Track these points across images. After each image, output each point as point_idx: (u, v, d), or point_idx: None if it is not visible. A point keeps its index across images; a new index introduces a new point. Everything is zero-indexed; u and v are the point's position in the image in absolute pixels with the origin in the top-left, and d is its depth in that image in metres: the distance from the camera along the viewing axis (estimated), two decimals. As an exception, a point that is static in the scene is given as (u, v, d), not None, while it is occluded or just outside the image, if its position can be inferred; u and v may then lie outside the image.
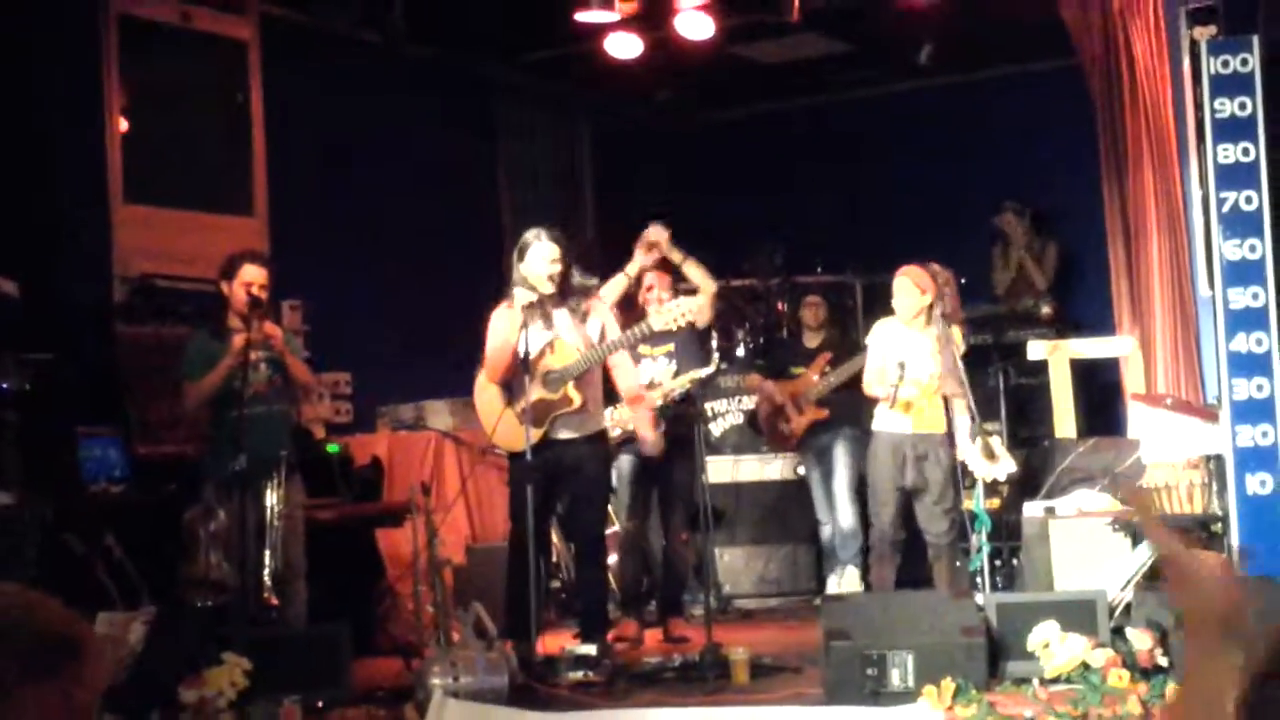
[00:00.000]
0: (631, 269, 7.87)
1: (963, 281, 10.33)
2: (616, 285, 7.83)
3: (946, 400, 7.62)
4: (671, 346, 7.94)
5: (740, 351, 10.24)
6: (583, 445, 7.11)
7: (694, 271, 8.02)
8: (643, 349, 7.87)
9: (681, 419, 7.82)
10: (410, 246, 10.04)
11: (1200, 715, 1.86)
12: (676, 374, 7.93)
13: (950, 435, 7.61)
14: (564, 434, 7.05)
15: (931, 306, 7.66)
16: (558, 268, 7.03)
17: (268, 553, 6.85)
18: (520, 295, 7.01)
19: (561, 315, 7.10)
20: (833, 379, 8.73)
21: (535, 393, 6.92)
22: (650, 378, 7.92)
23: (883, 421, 7.74)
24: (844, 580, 8.65)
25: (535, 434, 6.86)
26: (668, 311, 7.09)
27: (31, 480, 6.73)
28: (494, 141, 11.35)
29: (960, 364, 7.62)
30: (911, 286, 7.67)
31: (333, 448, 8.51)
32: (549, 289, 7.01)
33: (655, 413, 7.72)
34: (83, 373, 7.69)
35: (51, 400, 7.12)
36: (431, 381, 9.07)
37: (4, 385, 6.87)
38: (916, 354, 7.64)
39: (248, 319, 7.02)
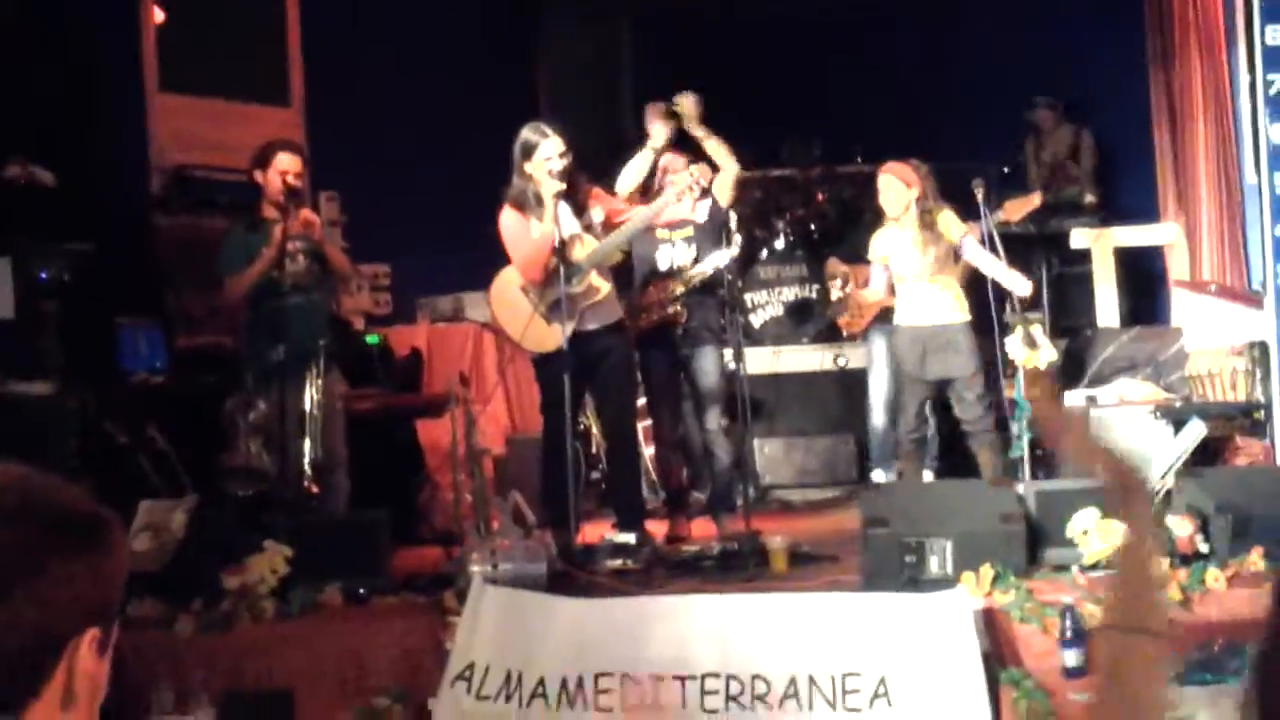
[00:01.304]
0: (656, 142, 7.52)
1: (1005, 170, 10.26)
2: (640, 163, 7.56)
3: (976, 287, 7.51)
4: (690, 230, 7.67)
5: (780, 243, 10.15)
6: (606, 336, 7.07)
7: (716, 149, 7.60)
8: (661, 233, 7.65)
9: (705, 305, 7.65)
10: (448, 138, 9.97)
11: (1131, 559, 2.00)
12: (697, 258, 7.64)
13: (971, 324, 7.52)
14: (590, 325, 7.02)
15: (918, 199, 7.54)
16: (565, 161, 6.94)
17: (307, 442, 6.87)
18: (531, 190, 6.96)
19: (563, 208, 7.04)
20: None
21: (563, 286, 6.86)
22: (670, 262, 7.69)
23: (902, 315, 7.68)
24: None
25: (569, 328, 6.82)
26: (679, 185, 7.04)
27: (72, 370, 6.75)
28: (533, 32, 11.25)
29: (973, 250, 7.48)
30: (895, 182, 7.57)
31: (372, 339, 8.52)
32: (558, 185, 6.95)
33: (678, 299, 7.61)
34: (121, 263, 7.67)
35: (90, 290, 7.12)
36: (470, 272, 9.04)
37: (43, 274, 6.88)
38: (905, 249, 7.57)
39: (284, 208, 6.99)
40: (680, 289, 7.62)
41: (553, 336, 6.90)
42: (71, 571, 1.69)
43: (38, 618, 1.67)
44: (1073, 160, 10.78)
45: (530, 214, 7.02)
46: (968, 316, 7.55)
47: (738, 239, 7.56)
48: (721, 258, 7.55)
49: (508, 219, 7.08)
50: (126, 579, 1.78)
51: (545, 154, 6.95)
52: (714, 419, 7.66)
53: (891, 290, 7.72)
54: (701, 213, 7.61)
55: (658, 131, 7.51)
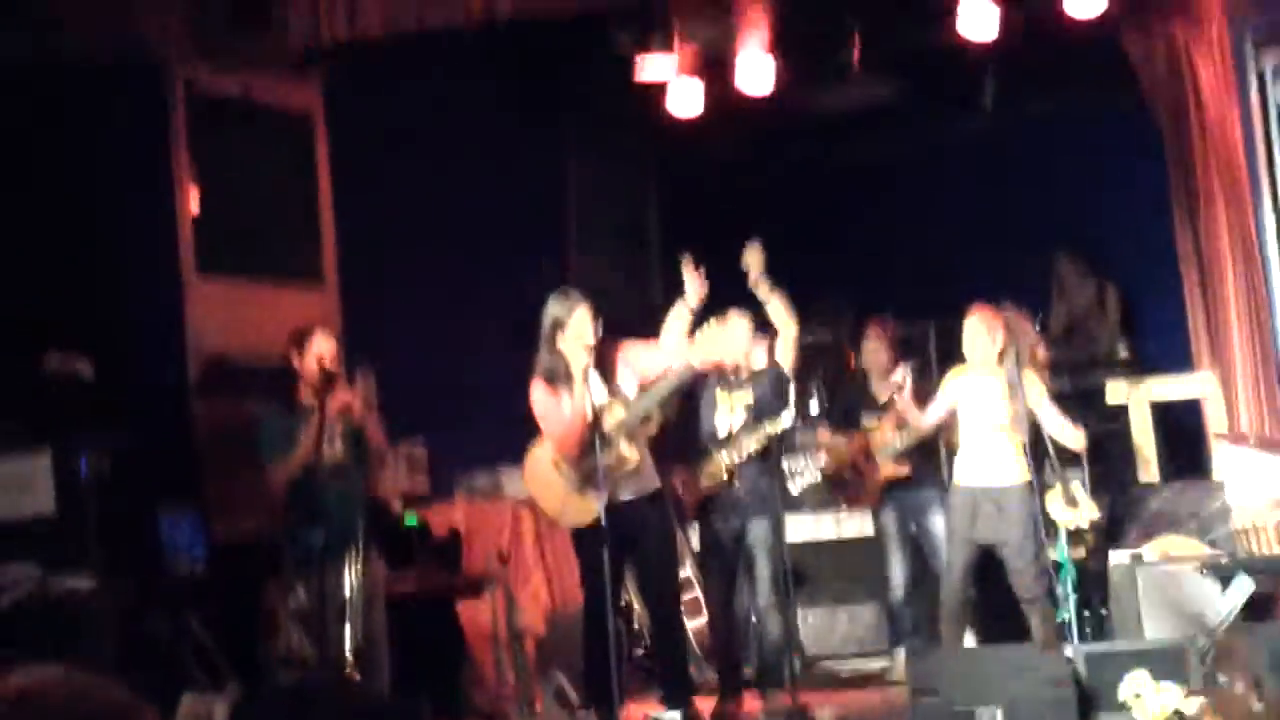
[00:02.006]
0: (692, 299, 7.28)
1: (1037, 326, 10.26)
2: (677, 321, 7.32)
3: (1032, 450, 7.47)
4: (751, 399, 7.59)
5: (814, 409, 10.13)
6: (644, 505, 7.05)
7: (776, 308, 7.51)
8: (720, 395, 7.63)
9: (761, 474, 7.52)
10: (483, 312, 10.02)
11: None
12: (757, 422, 7.50)
13: (1031, 485, 7.48)
14: (624, 495, 7.00)
15: (1004, 350, 7.55)
16: (595, 331, 7.01)
17: (348, 628, 6.84)
18: (562, 365, 7.00)
19: (593, 376, 7.08)
20: (908, 435, 8.33)
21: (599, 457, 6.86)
22: (728, 429, 7.61)
23: (960, 474, 7.66)
24: (895, 663, 8.43)
25: (603, 501, 6.80)
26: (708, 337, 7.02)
27: (112, 563, 6.75)
28: (564, 198, 11.38)
29: (1044, 406, 7.51)
30: (984, 331, 7.57)
31: (410, 519, 8.50)
32: (587, 359, 6.98)
33: (734, 469, 7.54)
34: (160, 451, 7.70)
35: (129, 480, 7.14)
36: (508, 446, 9.03)
37: (83, 468, 6.91)
38: (986, 399, 7.55)
39: (320, 392, 7.03)
40: (738, 459, 7.51)
41: (589, 509, 6.88)
42: None
43: None
44: (1100, 312, 10.78)
45: (561, 389, 7.05)
46: (1028, 477, 7.50)
47: (792, 406, 7.43)
48: (776, 426, 7.41)
49: (539, 395, 7.11)
50: None
51: (576, 329, 7.00)
52: (765, 592, 7.50)
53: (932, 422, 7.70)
54: (754, 359, 7.56)
55: (692, 289, 7.29)
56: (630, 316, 9.15)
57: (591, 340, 7.01)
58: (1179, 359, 9.49)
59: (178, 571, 7.39)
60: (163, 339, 8.42)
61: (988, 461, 7.54)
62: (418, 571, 8.11)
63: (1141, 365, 10.12)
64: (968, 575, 7.63)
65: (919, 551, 8.59)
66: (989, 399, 7.55)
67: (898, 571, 8.61)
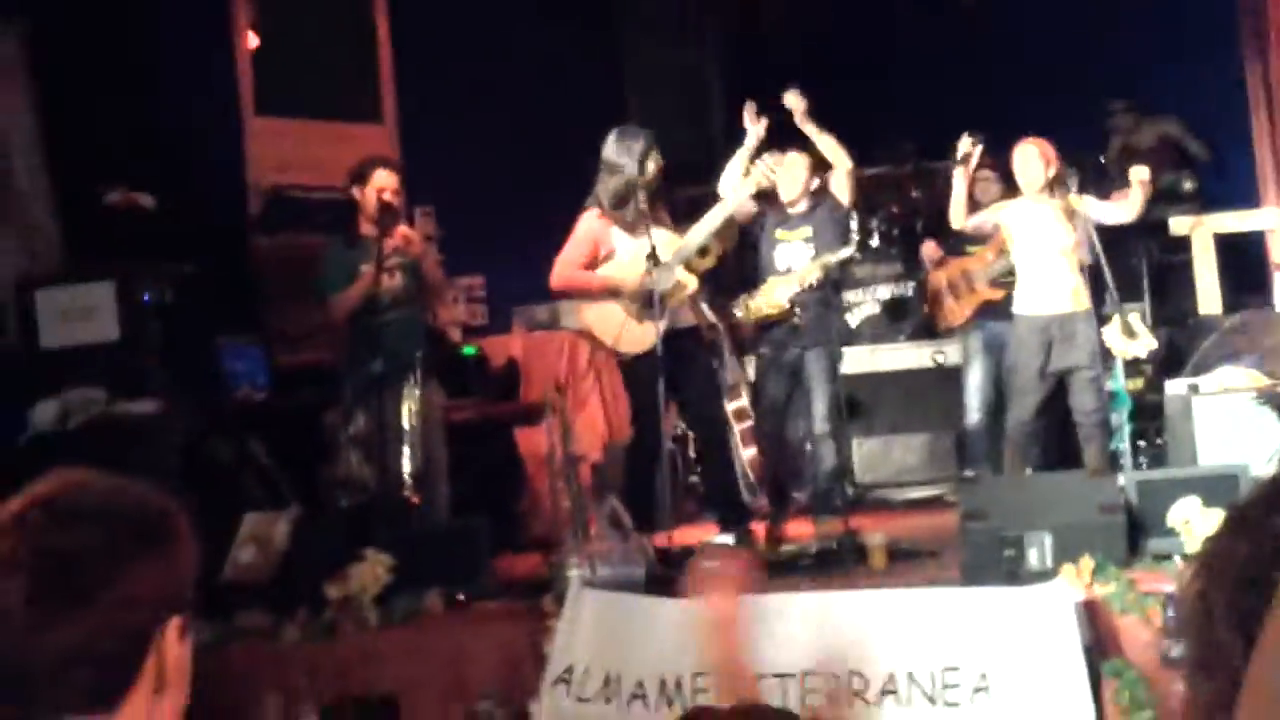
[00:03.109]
0: (750, 144, 7.38)
1: (1101, 160, 10.14)
2: (735, 164, 7.44)
3: (1092, 282, 7.42)
4: (810, 231, 7.54)
5: (874, 241, 10.10)
6: (689, 340, 7.10)
7: (827, 144, 7.50)
8: (779, 233, 7.57)
9: (820, 305, 7.49)
10: (540, 148, 10.02)
11: None
12: (815, 258, 7.47)
13: (1093, 311, 7.44)
14: (679, 324, 7.06)
15: (1057, 177, 7.49)
16: (656, 166, 7.07)
17: (407, 452, 6.96)
18: (615, 193, 7.07)
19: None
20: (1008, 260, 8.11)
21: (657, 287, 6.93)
22: (787, 264, 7.55)
23: (1024, 303, 7.59)
24: None
25: (660, 329, 6.89)
26: (753, 176, 7.17)
27: (176, 389, 6.89)
28: (620, 37, 11.30)
29: (1094, 234, 7.44)
30: (1037, 157, 7.50)
31: (469, 350, 8.60)
32: (645, 191, 7.04)
33: (795, 300, 7.57)
34: (221, 283, 7.81)
35: (192, 310, 7.26)
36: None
37: (145, 296, 7.03)
38: (1043, 225, 7.49)
39: (381, 225, 7.08)
40: (797, 288, 7.47)
41: (647, 335, 6.95)
42: (149, 567, 1.76)
43: (124, 616, 1.74)
44: (1168, 148, 10.61)
45: (620, 219, 7.08)
46: (1090, 305, 7.45)
47: (855, 239, 7.43)
48: (842, 254, 7.46)
49: (588, 218, 7.17)
50: (199, 564, 1.84)
51: (654, 157, 7.03)
52: (821, 421, 7.49)
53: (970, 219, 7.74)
54: (802, 200, 7.58)
55: (751, 132, 7.39)
56: (692, 158, 9.14)
57: (651, 174, 7.02)
58: (1247, 193, 9.38)
59: (240, 398, 7.53)
60: (222, 173, 8.50)
61: (1051, 289, 7.47)
62: (476, 400, 8.22)
63: (1208, 198, 10.00)
64: (1038, 407, 7.59)
65: (999, 381, 8.53)
66: (1046, 225, 7.47)
67: (975, 398, 8.54)
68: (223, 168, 8.49)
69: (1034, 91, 10.82)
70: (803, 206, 7.56)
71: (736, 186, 7.26)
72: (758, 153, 7.42)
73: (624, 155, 7.13)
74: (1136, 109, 10.64)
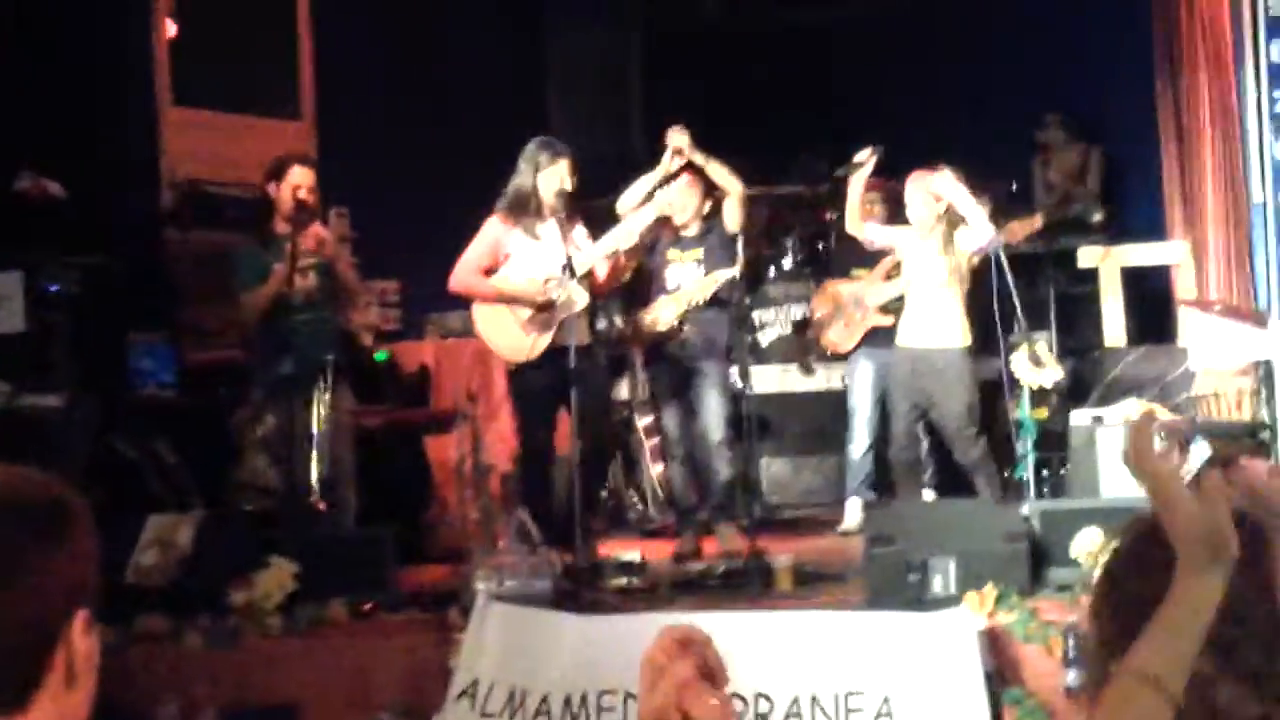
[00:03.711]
0: (658, 173, 7.62)
1: (1013, 188, 10.25)
2: (639, 187, 7.63)
3: (983, 307, 7.53)
4: (701, 252, 7.82)
5: (788, 262, 10.16)
6: (581, 354, 7.12)
7: (719, 173, 7.71)
8: (671, 254, 7.81)
9: (711, 322, 7.78)
10: (459, 151, 9.98)
11: (1183, 629, 1.91)
12: (706, 277, 7.76)
13: (969, 350, 7.57)
14: (569, 341, 7.09)
15: (946, 212, 7.61)
16: (572, 184, 7.13)
17: (315, 457, 6.90)
18: (526, 201, 7.16)
19: (549, 227, 7.20)
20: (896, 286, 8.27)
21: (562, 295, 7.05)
22: (678, 284, 7.82)
23: (904, 334, 7.74)
24: (846, 514, 8.47)
25: (547, 340, 7.04)
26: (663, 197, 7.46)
27: (82, 383, 6.79)
28: (543, 42, 11.28)
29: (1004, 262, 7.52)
30: (927, 195, 7.62)
31: (380, 355, 8.55)
32: (560, 205, 7.11)
33: (683, 316, 7.74)
34: (132, 277, 7.70)
35: (101, 304, 7.15)
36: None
37: (53, 287, 6.92)
38: (926, 257, 7.61)
39: (296, 223, 7.02)
40: (687, 306, 7.72)
41: (534, 345, 7.09)
42: (53, 560, 1.73)
43: (30, 610, 1.71)
44: (1080, 179, 10.76)
45: (521, 224, 7.10)
46: (967, 342, 7.58)
47: (741, 259, 7.59)
48: (725, 274, 7.67)
49: (492, 223, 7.20)
50: (100, 561, 1.81)
51: (554, 174, 7.06)
52: (713, 432, 7.72)
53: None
54: (694, 223, 7.78)
55: (665, 161, 7.60)
56: (609, 172, 9.14)
57: (568, 189, 7.05)
58: (1154, 226, 9.53)
59: (146, 394, 7.43)
60: (137, 165, 8.40)
61: (929, 322, 7.60)
62: (387, 406, 8.17)
63: (1117, 232, 10.15)
64: (911, 434, 7.75)
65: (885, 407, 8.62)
66: (928, 257, 7.60)
67: (861, 423, 8.61)
68: (136, 160, 8.38)
69: (957, 110, 10.95)
70: (695, 229, 7.83)
71: (636, 212, 7.42)
72: (665, 181, 7.62)
73: (529, 164, 7.18)
74: (1066, 126, 10.76)
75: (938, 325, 7.59)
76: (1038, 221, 8.60)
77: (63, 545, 1.74)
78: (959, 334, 7.60)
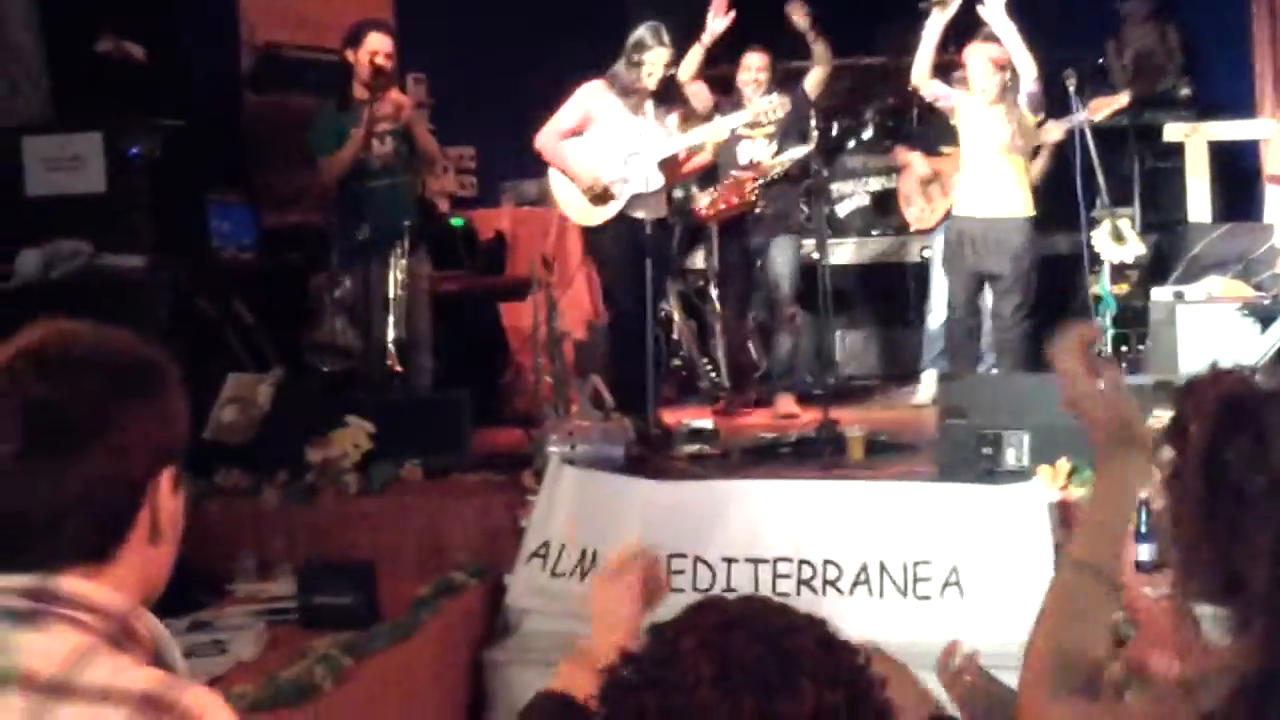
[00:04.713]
0: (706, 38, 7.52)
1: (1100, 62, 10.04)
2: (691, 59, 7.61)
3: (1066, 182, 7.42)
4: (772, 127, 7.82)
5: (868, 133, 10.05)
6: (657, 227, 7.14)
7: (816, 44, 7.77)
8: (742, 130, 7.77)
9: (782, 197, 7.86)
10: (536, 21, 9.91)
11: (1111, 506, 2.12)
12: (776, 154, 7.85)
13: (1031, 220, 7.46)
14: (640, 213, 7.09)
15: (1007, 84, 7.45)
16: (669, 73, 7.16)
17: (392, 320, 6.96)
18: (628, 77, 7.11)
19: (644, 107, 7.19)
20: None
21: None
22: (750, 158, 7.87)
23: (963, 204, 7.61)
24: (922, 386, 8.45)
25: (612, 212, 7.10)
26: (758, 107, 7.39)
27: (162, 245, 6.84)
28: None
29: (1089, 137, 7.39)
30: (989, 64, 7.46)
31: (457, 221, 8.56)
32: (651, 87, 7.11)
33: (756, 192, 7.80)
34: (211, 140, 7.72)
35: (181, 166, 7.18)
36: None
37: (133, 150, 6.95)
38: (988, 123, 7.46)
39: (373, 89, 7.02)
40: (759, 181, 7.77)
41: (600, 213, 7.12)
42: (140, 418, 1.76)
43: (117, 466, 1.74)
44: (1163, 51, 10.48)
45: (619, 96, 7.06)
46: (1031, 212, 7.46)
47: (815, 135, 7.54)
48: (798, 153, 7.70)
49: (594, 88, 7.13)
50: (189, 416, 1.84)
51: (653, 61, 7.05)
52: (784, 307, 7.84)
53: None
54: (780, 111, 7.65)
55: (711, 26, 7.48)
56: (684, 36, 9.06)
57: (659, 77, 7.08)
58: (1243, 102, 9.31)
59: (226, 256, 7.49)
60: (215, 29, 8.39)
61: (990, 189, 7.46)
62: (462, 272, 8.20)
63: (1204, 106, 9.92)
64: (971, 305, 7.67)
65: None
66: (991, 125, 7.44)
67: (939, 295, 8.55)
68: (216, 23, 8.38)
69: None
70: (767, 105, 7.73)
71: (729, 116, 7.52)
72: (715, 45, 7.57)
73: (634, 47, 7.13)
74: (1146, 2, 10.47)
75: (999, 193, 7.46)
76: (1123, 99, 8.40)
77: (152, 405, 1.78)
78: (1021, 203, 7.47)
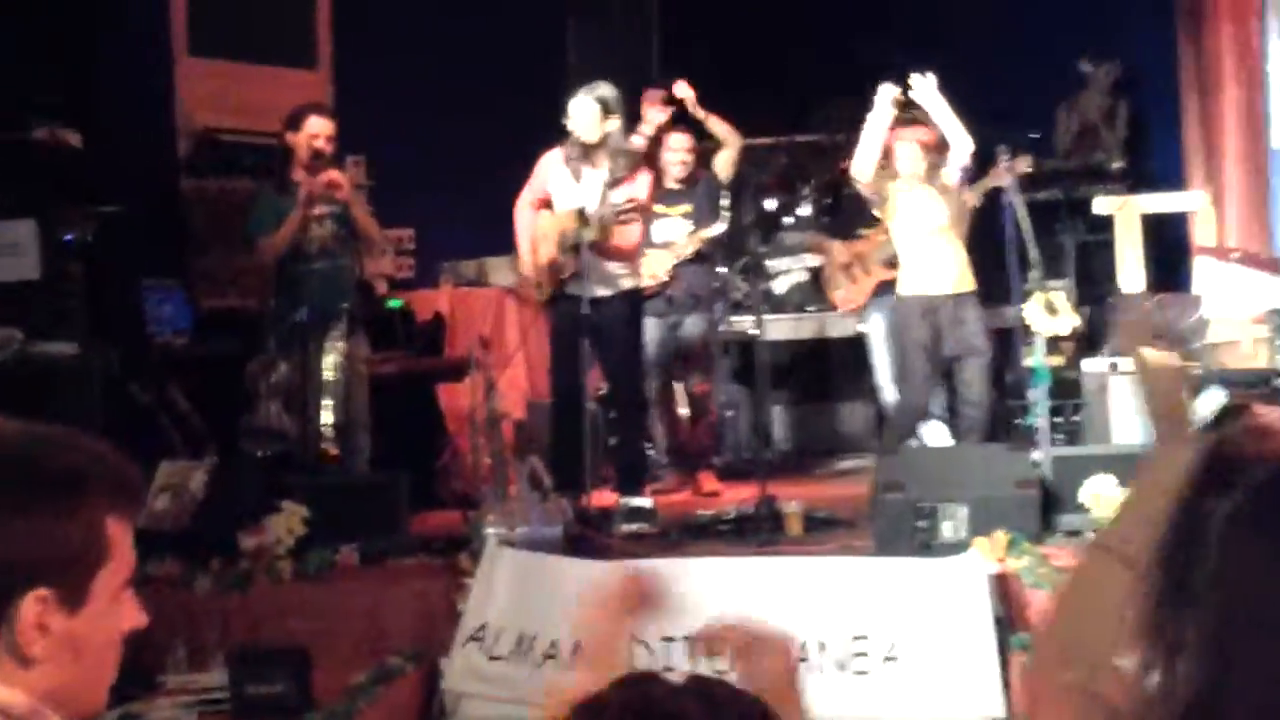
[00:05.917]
0: (647, 129, 7.35)
1: (1035, 136, 10.15)
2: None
3: (995, 255, 7.46)
4: (689, 207, 8.00)
5: (805, 209, 10.11)
6: (618, 299, 7.14)
7: (718, 127, 8.02)
8: (659, 208, 7.84)
9: (699, 276, 8.07)
10: (476, 101, 9.95)
11: (1153, 497, 1.92)
12: (692, 233, 8.01)
13: (978, 293, 7.52)
14: (601, 290, 7.08)
15: (933, 166, 7.52)
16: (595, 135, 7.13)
17: (328, 404, 6.93)
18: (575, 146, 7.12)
19: (594, 171, 7.15)
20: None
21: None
22: (665, 238, 7.96)
23: (907, 283, 7.60)
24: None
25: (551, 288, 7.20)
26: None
27: (96, 331, 6.81)
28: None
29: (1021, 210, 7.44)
30: (917, 150, 7.53)
31: (395, 303, 8.56)
32: (586, 138, 7.10)
33: (671, 271, 7.96)
34: (147, 225, 7.71)
35: (116, 252, 7.17)
36: (494, 237, 9.05)
37: (68, 236, 6.93)
38: (921, 206, 7.52)
39: (312, 172, 7.04)
40: (674, 260, 7.94)
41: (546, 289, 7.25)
42: (10, 529, 1.63)
43: None
44: (1106, 126, 10.61)
45: (569, 162, 7.08)
46: (975, 286, 7.52)
47: (728, 215, 7.96)
48: (711, 232, 8.00)
49: (546, 159, 7.20)
50: (117, 536, 1.73)
51: (575, 109, 7.09)
52: (691, 382, 8.17)
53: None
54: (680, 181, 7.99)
55: (650, 119, 7.37)
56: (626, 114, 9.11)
57: (589, 126, 7.06)
58: (1173, 175, 9.44)
59: (161, 342, 7.46)
60: (152, 114, 8.39)
61: (933, 268, 7.51)
62: (400, 354, 8.20)
63: (1135, 179, 10.04)
64: (928, 384, 7.68)
65: None
66: (924, 205, 7.50)
67: (884, 374, 8.59)
68: (152, 108, 8.37)
69: (978, 59, 10.80)
70: (682, 184, 8.03)
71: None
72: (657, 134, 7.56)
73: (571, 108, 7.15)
74: (1103, 69, 10.60)
75: (946, 269, 7.51)
76: (1027, 162, 8.43)
77: (27, 518, 1.64)
78: (968, 279, 7.53)
